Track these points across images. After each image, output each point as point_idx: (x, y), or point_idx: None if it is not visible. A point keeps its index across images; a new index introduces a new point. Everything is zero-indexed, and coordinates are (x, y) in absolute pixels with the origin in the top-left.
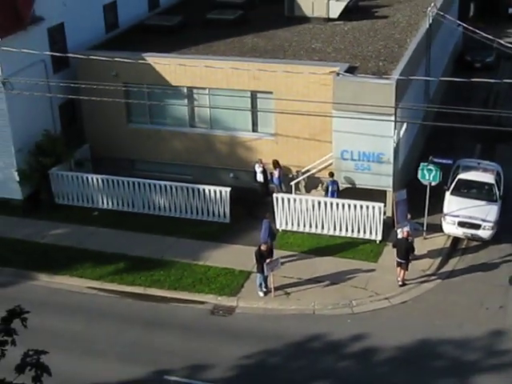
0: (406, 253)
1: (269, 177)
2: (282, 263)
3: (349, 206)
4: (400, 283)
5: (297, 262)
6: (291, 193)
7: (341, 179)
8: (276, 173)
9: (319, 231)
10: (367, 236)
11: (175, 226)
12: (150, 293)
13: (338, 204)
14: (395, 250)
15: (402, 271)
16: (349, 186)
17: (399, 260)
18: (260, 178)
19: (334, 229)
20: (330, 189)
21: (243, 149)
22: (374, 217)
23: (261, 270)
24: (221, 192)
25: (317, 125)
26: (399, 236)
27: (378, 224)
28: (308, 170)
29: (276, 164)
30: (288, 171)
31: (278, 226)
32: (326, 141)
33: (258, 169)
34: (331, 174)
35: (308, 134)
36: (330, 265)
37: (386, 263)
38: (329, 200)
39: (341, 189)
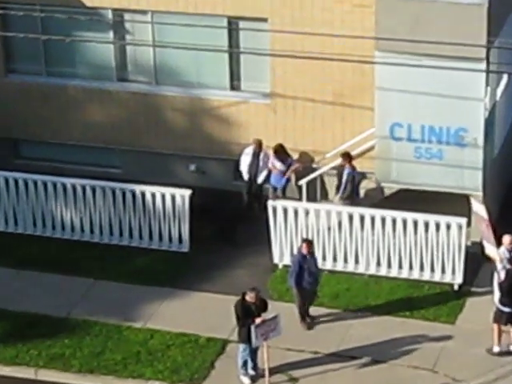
0: None
1: (261, 172)
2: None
3: (404, 222)
4: (501, 350)
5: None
6: (299, 199)
7: (390, 174)
8: (278, 165)
9: (351, 268)
10: (437, 277)
11: (94, 259)
12: (46, 378)
13: (384, 219)
14: (499, 293)
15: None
16: (404, 187)
17: (507, 309)
18: (246, 170)
19: (378, 264)
20: (344, 180)
21: (214, 121)
22: (450, 243)
23: (246, 338)
24: (174, 197)
25: (347, 78)
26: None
27: (456, 256)
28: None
29: (279, 150)
30: (298, 161)
31: (275, 260)
32: (363, 107)
33: (246, 156)
34: (347, 157)
35: (331, 95)
36: (370, 328)
37: (470, 325)
38: (368, 212)
39: (388, 192)
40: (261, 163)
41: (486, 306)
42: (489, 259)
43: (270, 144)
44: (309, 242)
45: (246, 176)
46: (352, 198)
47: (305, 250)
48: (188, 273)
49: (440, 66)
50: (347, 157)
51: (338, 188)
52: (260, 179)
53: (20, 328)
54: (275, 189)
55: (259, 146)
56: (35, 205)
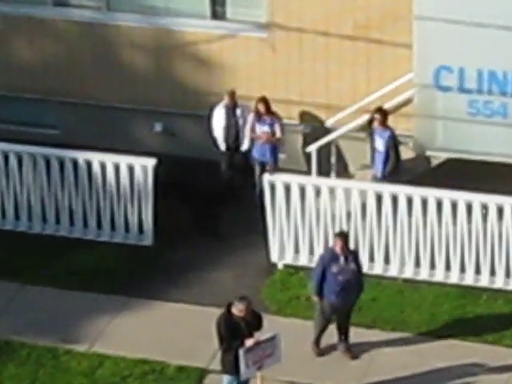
0: None
1: (244, 134)
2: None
3: (453, 205)
4: None
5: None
6: (308, 173)
7: (435, 139)
8: (264, 129)
9: (379, 270)
10: (498, 283)
11: (21, 256)
12: None
13: (425, 201)
14: None
15: None
16: (453, 156)
17: None
18: (221, 136)
19: (417, 264)
20: (376, 146)
21: (188, 62)
22: None
23: (232, 367)
24: (132, 169)
25: (374, 4)
26: None
27: None
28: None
29: (263, 107)
30: (303, 120)
31: (273, 257)
32: (396, 44)
33: (218, 116)
34: (382, 115)
35: (352, 28)
36: (406, 353)
37: None
38: (403, 191)
39: (435, 162)
40: (240, 122)
41: None
42: None
43: (265, 95)
44: (344, 238)
45: (222, 145)
46: (397, 173)
47: (338, 249)
48: (151, 275)
49: None
50: (383, 114)
51: (372, 159)
52: (244, 145)
53: None
54: (263, 165)
55: (232, 99)
56: None
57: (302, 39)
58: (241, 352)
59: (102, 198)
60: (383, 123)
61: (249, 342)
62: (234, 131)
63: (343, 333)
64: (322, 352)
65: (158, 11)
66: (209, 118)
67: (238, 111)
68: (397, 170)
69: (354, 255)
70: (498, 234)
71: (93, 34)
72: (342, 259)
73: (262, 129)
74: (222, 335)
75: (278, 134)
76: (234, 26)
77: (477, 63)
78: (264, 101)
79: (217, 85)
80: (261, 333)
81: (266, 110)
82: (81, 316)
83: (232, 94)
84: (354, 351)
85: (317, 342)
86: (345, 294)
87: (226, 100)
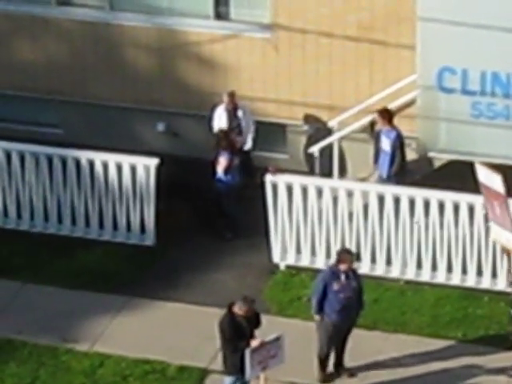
0: None
1: (247, 134)
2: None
3: (456, 207)
4: None
5: None
6: (311, 173)
7: (437, 140)
8: (223, 160)
9: (380, 271)
10: (500, 285)
11: (22, 255)
12: None
13: (428, 203)
14: None
15: None
16: (456, 158)
17: None
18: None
19: (419, 266)
20: (383, 146)
21: (191, 62)
22: None
23: (236, 368)
24: (134, 169)
25: (378, 5)
26: None
27: None
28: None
29: (224, 138)
30: (306, 121)
31: (275, 258)
32: (399, 45)
33: (221, 113)
34: (386, 115)
35: (355, 28)
36: (407, 354)
37: None
38: (405, 192)
39: (438, 164)
40: (243, 123)
41: None
42: (506, 251)
43: (268, 95)
44: (348, 255)
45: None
46: (402, 173)
47: (343, 266)
48: (153, 275)
49: None
50: (386, 114)
51: (375, 160)
52: (248, 145)
53: None
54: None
55: (232, 100)
56: None
57: (305, 40)
58: (247, 352)
59: (105, 197)
60: (389, 123)
61: (254, 343)
62: (236, 133)
63: (338, 356)
64: (327, 378)
65: (161, 11)
66: (209, 119)
67: (240, 112)
68: (402, 170)
69: (354, 272)
70: None
71: (96, 33)
72: (343, 276)
73: (222, 159)
74: (227, 337)
75: (220, 170)
76: (237, 27)
77: (480, 65)
78: (225, 132)
79: (220, 85)
80: (263, 333)
81: (227, 140)
82: (82, 315)
83: (232, 96)
84: (351, 370)
85: (322, 365)
86: (346, 312)
87: (225, 102)
